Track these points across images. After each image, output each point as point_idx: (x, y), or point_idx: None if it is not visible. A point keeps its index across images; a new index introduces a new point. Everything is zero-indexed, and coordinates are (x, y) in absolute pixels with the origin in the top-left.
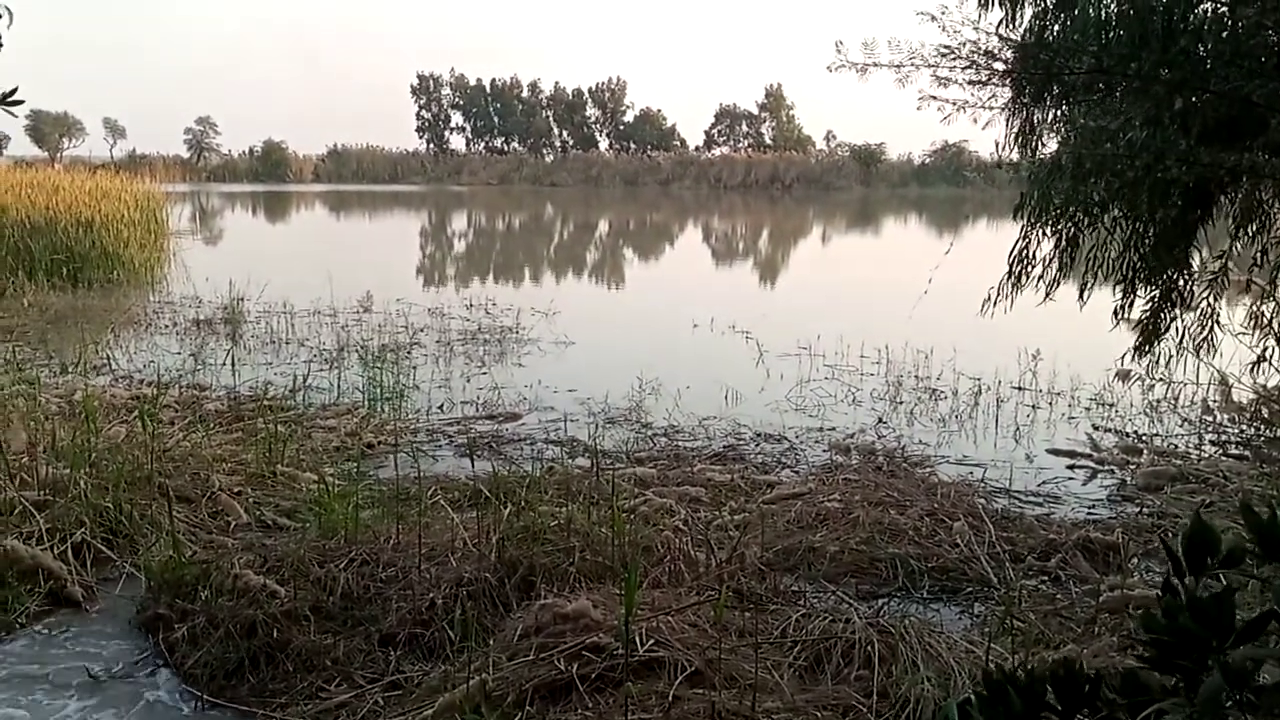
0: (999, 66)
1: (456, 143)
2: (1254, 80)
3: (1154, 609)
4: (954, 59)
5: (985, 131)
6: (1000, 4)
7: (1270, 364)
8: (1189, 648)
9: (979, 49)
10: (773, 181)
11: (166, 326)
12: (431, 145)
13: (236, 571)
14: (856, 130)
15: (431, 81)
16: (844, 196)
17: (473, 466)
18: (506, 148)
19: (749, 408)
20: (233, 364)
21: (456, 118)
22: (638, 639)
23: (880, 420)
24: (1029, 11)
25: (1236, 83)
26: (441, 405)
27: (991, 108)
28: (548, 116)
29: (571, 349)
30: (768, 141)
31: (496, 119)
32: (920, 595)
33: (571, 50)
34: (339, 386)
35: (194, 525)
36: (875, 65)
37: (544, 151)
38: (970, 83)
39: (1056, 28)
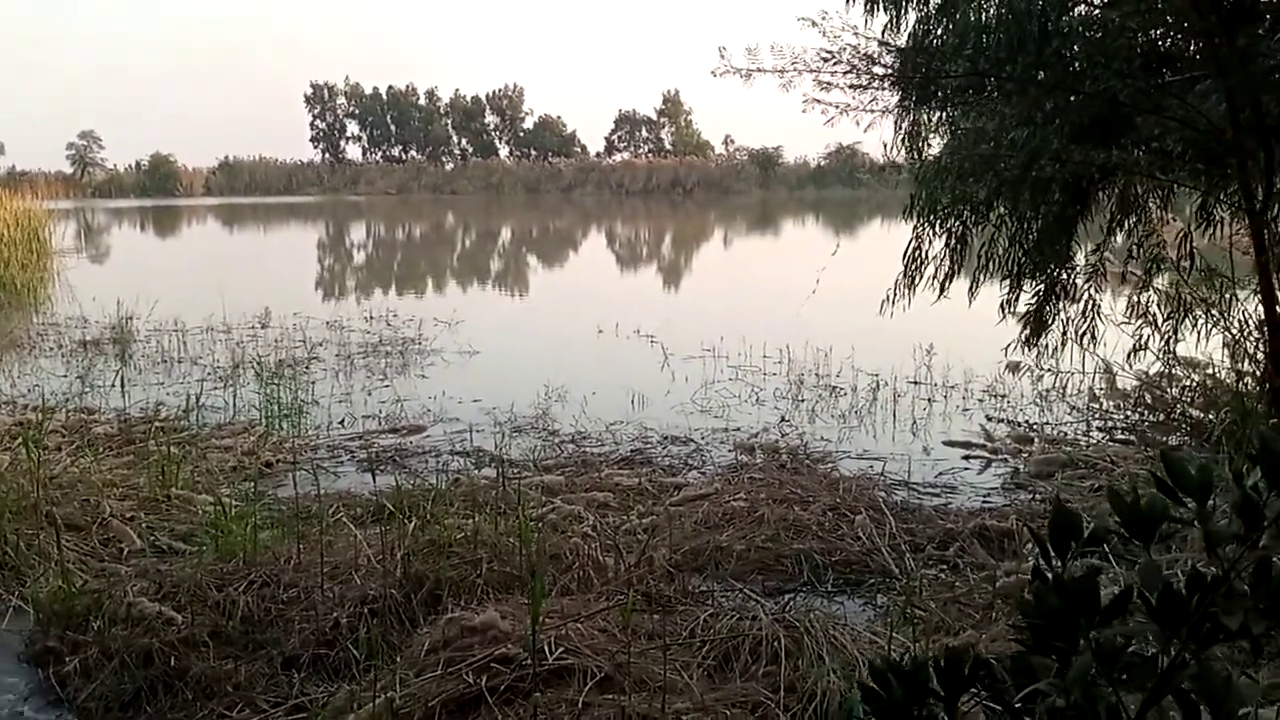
0: (879, 71)
1: (353, 152)
2: (1123, 81)
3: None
4: (835, 63)
5: (869, 134)
6: (885, 9)
7: (1150, 351)
8: (1060, 629)
9: (859, 54)
10: (674, 186)
11: (51, 349)
12: (327, 155)
13: (130, 599)
14: (754, 134)
15: (326, 90)
16: (744, 200)
17: (374, 481)
18: (404, 156)
19: (655, 411)
20: (122, 385)
21: (352, 127)
22: (547, 648)
23: (783, 419)
24: (912, 17)
25: (1106, 84)
26: (342, 420)
27: (873, 111)
28: (446, 124)
29: (476, 359)
30: (668, 147)
31: (393, 127)
32: (825, 589)
33: (468, 58)
34: (235, 405)
35: (84, 554)
36: (759, 70)
37: (443, 160)
38: (851, 86)
39: (939, 32)
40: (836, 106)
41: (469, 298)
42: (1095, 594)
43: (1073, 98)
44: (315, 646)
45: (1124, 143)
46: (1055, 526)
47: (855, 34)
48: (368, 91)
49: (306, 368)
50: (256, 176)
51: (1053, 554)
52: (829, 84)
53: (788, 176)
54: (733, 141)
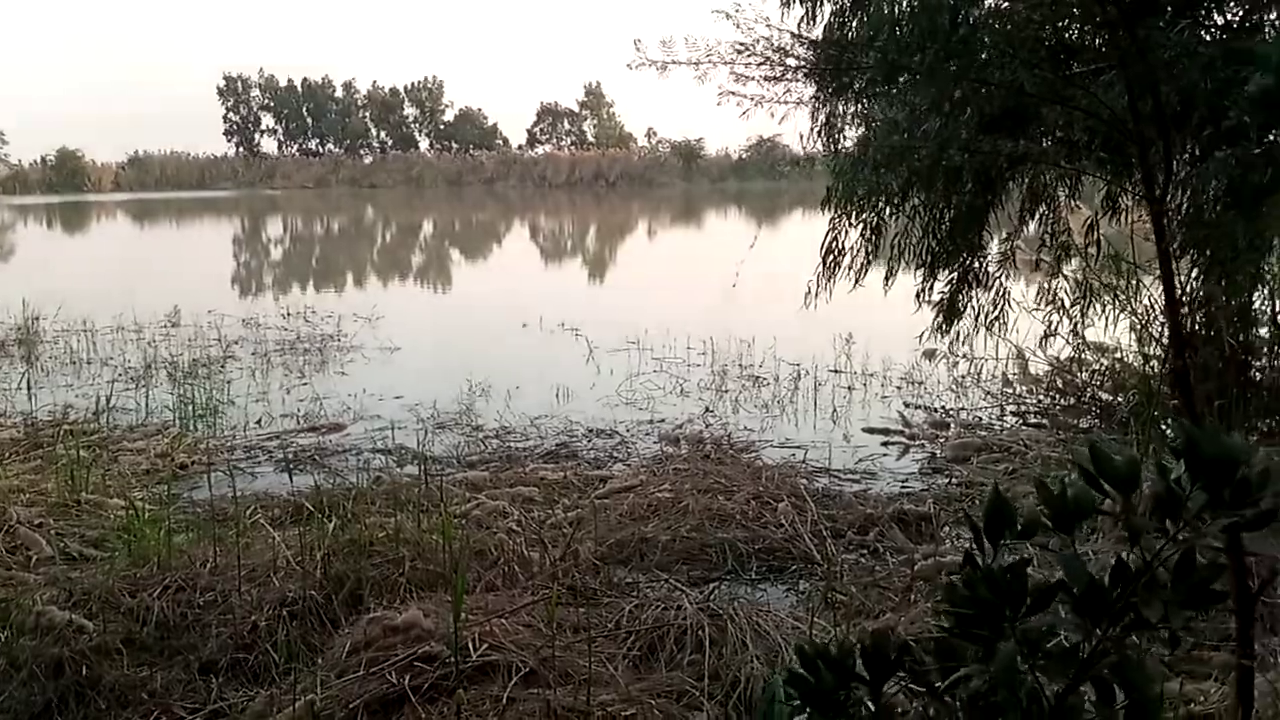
0: (792, 63)
1: (268, 146)
2: (1030, 71)
3: (959, 578)
4: (749, 55)
5: (789, 126)
6: (800, 2)
7: (1060, 337)
8: (987, 617)
9: (773, 46)
10: (597, 179)
11: None
12: (241, 149)
13: (39, 608)
14: (677, 127)
15: (239, 83)
16: (667, 192)
17: (291, 481)
18: (321, 150)
19: (580, 404)
20: (29, 388)
21: (267, 120)
22: (471, 644)
23: (707, 409)
24: (827, 10)
25: (1013, 74)
26: (259, 420)
27: (787, 102)
28: (364, 117)
29: (397, 355)
30: (590, 139)
31: (310, 120)
32: (749, 577)
33: (385, 49)
34: (147, 406)
35: None
36: (674, 63)
37: (362, 153)
38: (766, 78)
39: (854, 25)
40: (751, 98)
41: (390, 293)
42: (1024, 583)
43: (981, 88)
44: (233, 651)
45: (1032, 132)
46: (991, 515)
47: (769, 26)
48: (282, 84)
49: (222, 367)
50: (168, 171)
51: (986, 541)
52: (744, 76)
53: (710, 169)
54: (655, 134)
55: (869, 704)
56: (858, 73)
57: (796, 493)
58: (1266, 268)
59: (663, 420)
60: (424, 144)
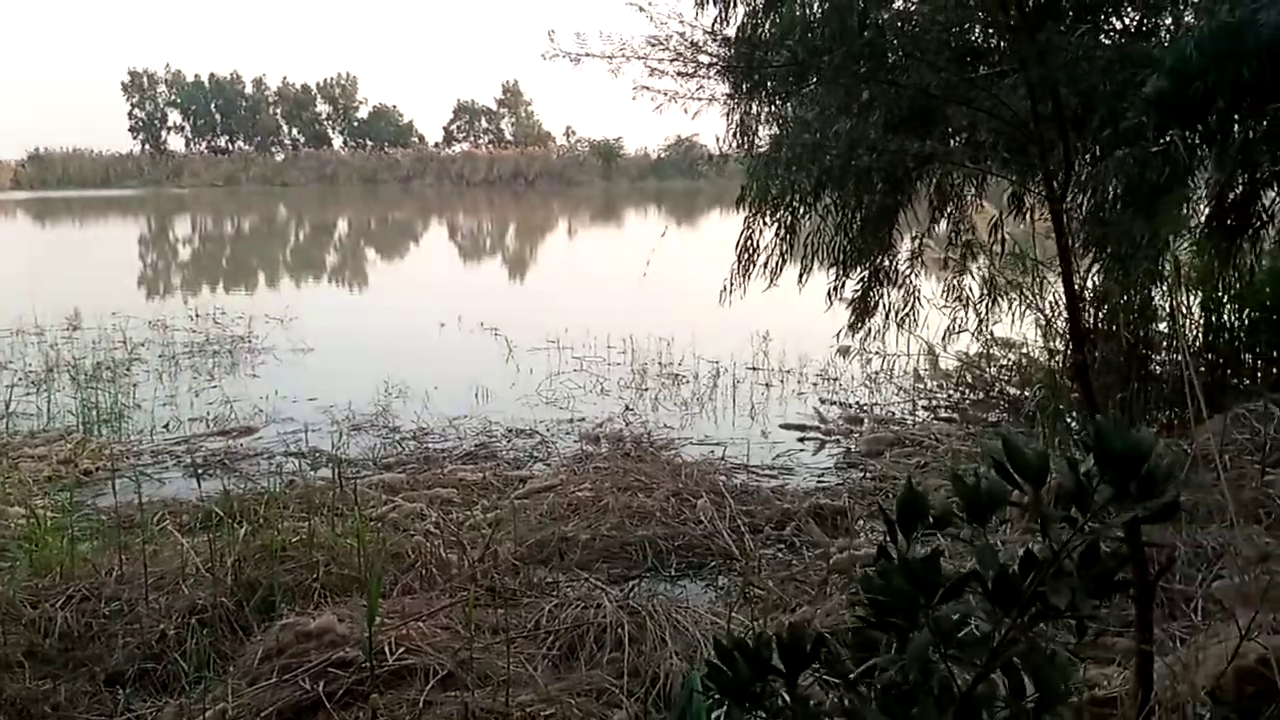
0: (705, 59)
1: (175, 143)
2: (936, 73)
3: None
4: (662, 50)
5: (707, 125)
6: (714, 1)
7: (970, 333)
8: (901, 607)
9: (686, 41)
10: (516, 177)
11: None
12: (148, 146)
13: None
14: (596, 126)
15: (145, 78)
16: (586, 191)
17: (199, 486)
18: (231, 147)
19: (500, 404)
20: None
21: (174, 116)
22: (387, 648)
23: (627, 408)
24: (741, 9)
25: (919, 76)
26: (167, 424)
27: (700, 99)
28: (275, 114)
29: (311, 356)
30: (508, 137)
31: (219, 117)
32: (668, 573)
33: (296, 45)
34: (49, 411)
35: None
36: (587, 55)
37: (273, 150)
38: (679, 74)
39: (768, 24)
40: (665, 94)
41: (303, 293)
42: (937, 573)
43: (889, 89)
44: (141, 661)
45: (937, 133)
46: (904, 507)
47: (682, 22)
48: (189, 79)
49: (127, 370)
50: (71, 169)
51: (900, 533)
52: (658, 71)
53: (629, 168)
54: (574, 133)
55: (785, 696)
56: (770, 72)
57: (715, 489)
58: (1164, 264)
59: (583, 419)
60: (337, 141)
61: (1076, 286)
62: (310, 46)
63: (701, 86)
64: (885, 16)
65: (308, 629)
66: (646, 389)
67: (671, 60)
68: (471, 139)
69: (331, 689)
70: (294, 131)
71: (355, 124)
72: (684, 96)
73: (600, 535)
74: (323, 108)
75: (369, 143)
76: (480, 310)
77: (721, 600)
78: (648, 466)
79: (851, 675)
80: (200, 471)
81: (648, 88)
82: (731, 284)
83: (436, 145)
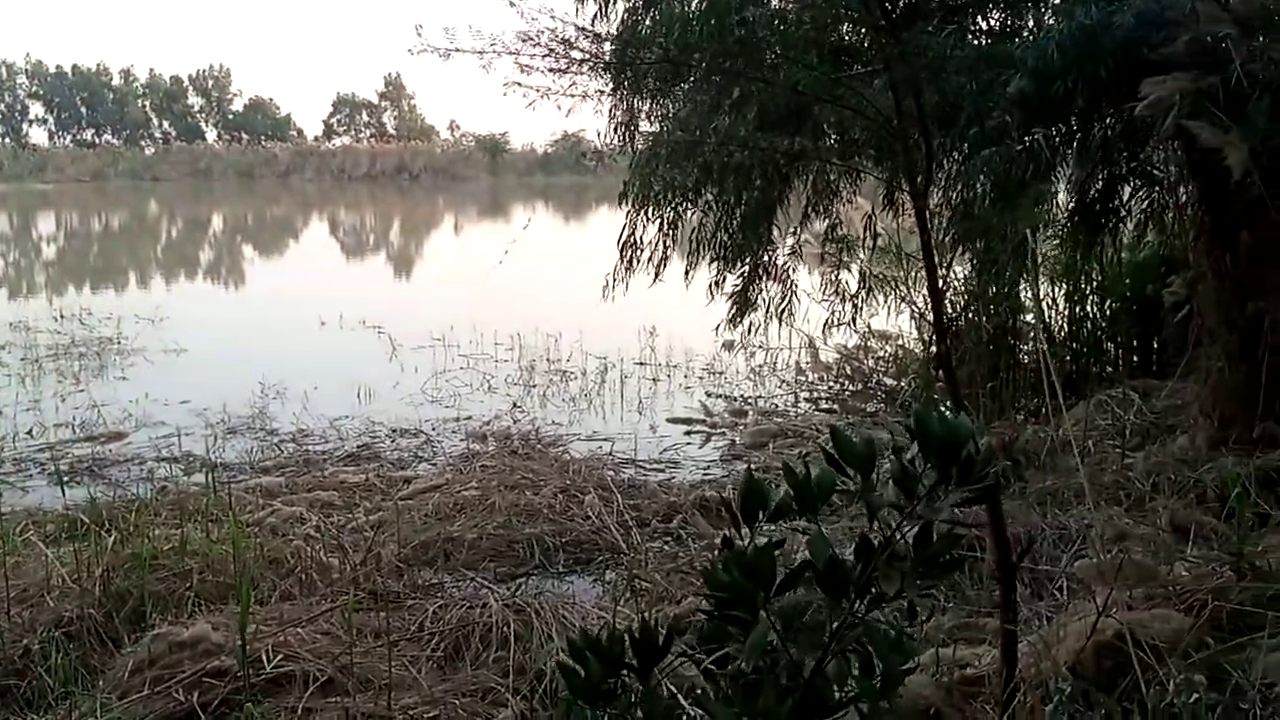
0: (577, 55)
1: (38, 136)
2: (807, 71)
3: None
4: (534, 46)
5: (586, 120)
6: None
7: (849, 326)
8: (742, 598)
9: (557, 38)
10: (399, 172)
11: None
12: (8, 140)
13: None
14: (482, 120)
15: (3, 68)
16: (472, 186)
17: (65, 494)
18: (98, 141)
19: (383, 404)
20: None
21: (36, 109)
22: (265, 656)
23: (515, 405)
24: (621, 5)
25: (790, 74)
26: (30, 430)
27: (573, 95)
28: (144, 106)
29: (184, 357)
30: (391, 131)
31: (84, 109)
32: (556, 570)
33: (166, 35)
34: None
35: None
36: (457, 50)
37: (143, 144)
38: (551, 70)
39: (648, 21)
40: (537, 90)
41: (176, 292)
42: (773, 564)
43: (760, 86)
44: (2, 677)
45: (807, 130)
46: (745, 499)
47: (553, 17)
48: (51, 70)
49: None
50: None
51: (741, 525)
52: (529, 67)
53: (516, 163)
54: (459, 127)
55: (638, 689)
56: (643, 69)
57: (603, 484)
58: (1030, 257)
59: (470, 417)
60: (211, 135)
61: (946, 280)
62: (181, 37)
63: (574, 83)
64: (756, 14)
65: (180, 639)
66: (534, 386)
67: (543, 56)
68: (353, 133)
69: (206, 699)
70: (165, 125)
71: (230, 117)
72: (557, 93)
73: (487, 534)
74: (195, 100)
75: (245, 136)
76: (363, 308)
77: (609, 594)
78: (535, 464)
79: (702, 667)
80: (66, 479)
81: (519, 84)
82: (615, 280)
83: (316, 139)
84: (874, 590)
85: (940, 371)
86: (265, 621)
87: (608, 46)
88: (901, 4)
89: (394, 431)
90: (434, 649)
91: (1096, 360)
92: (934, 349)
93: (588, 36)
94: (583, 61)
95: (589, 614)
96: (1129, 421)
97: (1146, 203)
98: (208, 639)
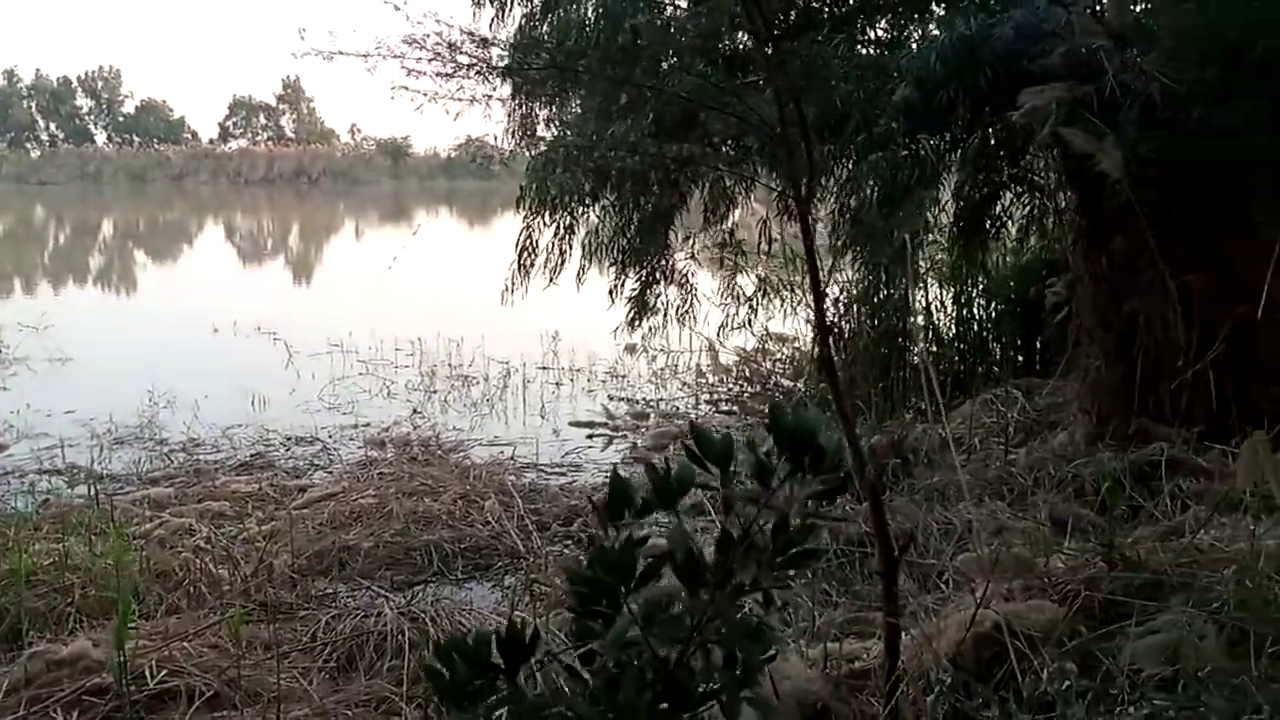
0: (464, 59)
1: None
2: (697, 79)
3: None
4: (420, 50)
5: (486, 123)
6: (491, 3)
7: (745, 329)
8: (604, 594)
9: (444, 42)
10: (298, 175)
11: None
12: None
13: None
14: (383, 124)
15: None
16: (374, 190)
17: None
18: None
19: (278, 411)
20: None
21: None
22: (148, 671)
23: (415, 411)
24: (519, 11)
25: (677, 81)
26: None
27: (461, 100)
28: (30, 108)
29: (70, 366)
30: (289, 134)
31: None
32: (455, 576)
33: (52, 36)
34: None
35: None
36: (341, 53)
37: (28, 146)
38: (438, 74)
39: (545, 26)
40: (425, 94)
41: (62, 299)
42: (633, 560)
43: (653, 93)
44: None
45: (697, 137)
46: (613, 495)
47: (438, 21)
48: None
49: None
50: None
51: (608, 521)
52: (415, 71)
53: (418, 167)
54: (360, 130)
55: (505, 690)
56: (531, 75)
57: (504, 489)
58: (918, 261)
59: (368, 424)
60: (101, 138)
61: (840, 284)
62: (69, 37)
63: (463, 87)
64: (643, 23)
65: (59, 657)
66: (435, 391)
67: (429, 60)
68: (249, 136)
69: (85, 718)
70: (52, 127)
71: (121, 119)
72: (445, 97)
73: (384, 542)
74: (84, 102)
75: (136, 139)
76: (259, 314)
77: (507, 599)
78: (435, 470)
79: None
80: None
81: (405, 87)
82: (512, 284)
83: (211, 142)
84: (733, 582)
85: (820, 373)
86: (150, 636)
87: (495, 51)
88: (791, 14)
89: (289, 440)
90: (326, 659)
91: (983, 360)
92: (833, 351)
93: (475, 40)
94: (470, 66)
95: (487, 619)
96: (1013, 419)
97: (1028, 208)
98: (88, 656)
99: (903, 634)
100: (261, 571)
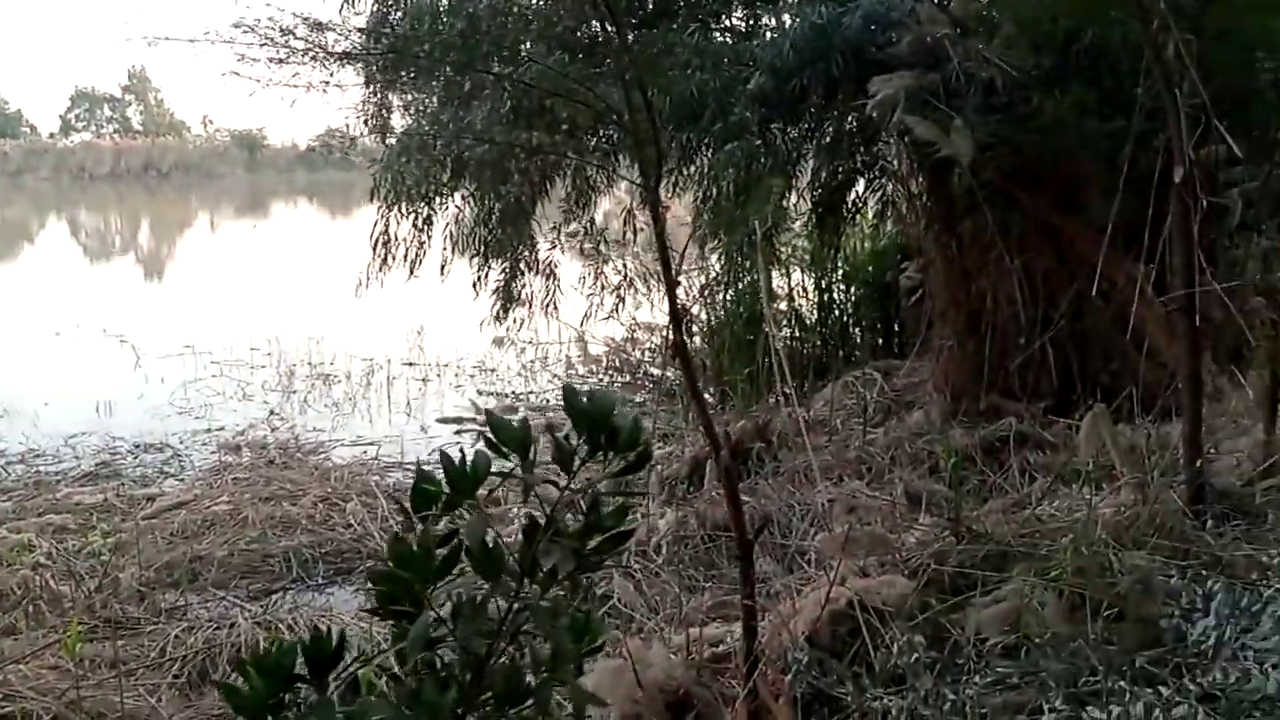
0: (299, 45)
1: None
2: (545, 66)
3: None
4: (251, 35)
5: (346, 113)
6: None
7: (613, 319)
8: (404, 592)
9: (278, 27)
10: (147, 169)
11: None
12: None
13: None
14: (237, 115)
15: None
16: (229, 183)
17: None
18: None
19: (126, 418)
20: None
21: None
22: None
23: (272, 412)
24: None
25: (522, 68)
26: None
27: (297, 86)
28: None
29: None
30: (137, 127)
31: None
32: (316, 582)
33: None
34: None
35: None
36: (166, 39)
37: None
38: (272, 60)
39: (399, 13)
40: (258, 80)
41: None
42: (431, 555)
43: (508, 81)
44: None
45: (546, 125)
46: (416, 492)
47: (268, 4)
48: None
49: None
50: None
51: (413, 518)
52: (247, 57)
53: (276, 159)
54: (211, 122)
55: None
56: (375, 60)
57: (367, 490)
58: (779, 248)
59: (222, 428)
60: None
61: (696, 271)
62: None
63: (298, 74)
64: (482, 8)
65: None
66: (295, 392)
67: (261, 45)
68: (94, 129)
69: None
70: None
71: None
72: (279, 84)
73: (239, 550)
74: None
75: None
76: (105, 316)
77: (370, 603)
78: (294, 473)
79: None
80: None
81: (236, 74)
82: (368, 278)
83: (52, 136)
84: (540, 571)
85: (674, 360)
86: None
87: (331, 35)
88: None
89: (137, 447)
90: (176, 675)
91: (844, 343)
92: (696, 339)
93: (310, 25)
94: (305, 51)
95: (348, 625)
96: (872, 400)
97: (882, 194)
98: None
99: (764, 614)
100: (107, 586)
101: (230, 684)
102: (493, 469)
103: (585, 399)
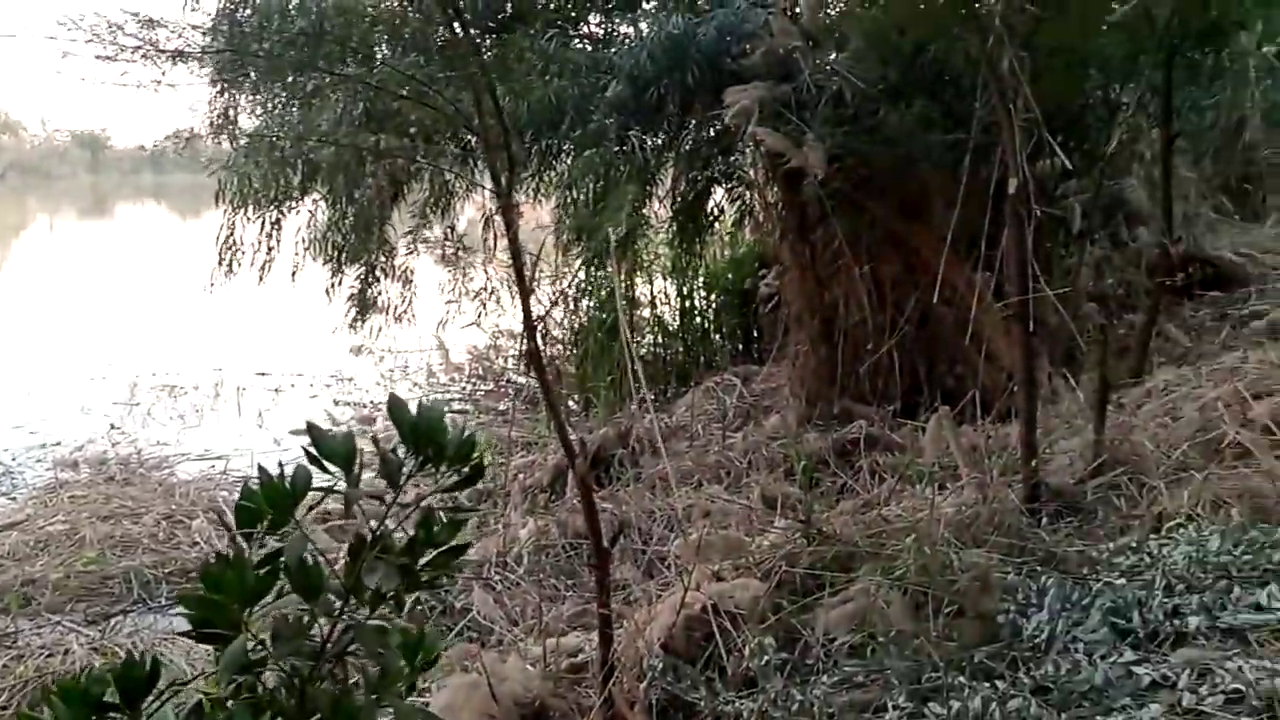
0: (130, 42)
1: None
2: (390, 68)
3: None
4: (75, 30)
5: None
6: None
7: (475, 326)
8: (219, 615)
9: (104, 22)
10: None
11: None
12: None
13: None
14: (77, 115)
15: None
16: (70, 185)
17: None
18: None
19: None
20: None
21: None
22: None
23: (113, 426)
24: None
25: (367, 69)
26: None
27: (127, 84)
28: None
29: None
30: None
31: None
32: (159, 604)
33: None
34: None
35: None
36: None
37: None
38: (99, 58)
39: (248, 11)
40: (84, 79)
41: None
42: (247, 576)
43: (338, 82)
44: None
45: (405, 129)
46: (241, 510)
47: None
48: None
49: None
50: None
51: (237, 537)
52: (71, 54)
53: (121, 161)
54: (48, 122)
55: None
56: (201, 56)
57: (215, 507)
58: (646, 256)
59: (58, 443)
60: None
61: (558, 279)
62: None
63: (126, 71)
64: (324, 7)
65: None
66: (138, 404)
67: (87, 42)
68: None
69: None
70: None
71: None
72: (108, 81)
73: (75, 572)
74: None
75: None
76: None
77: None
78: (136, 490)
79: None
80: None
81: (59, 71)
82: (211, 283)
83: None
84: (367, 589)
85: (529, 368)
86: None
87: (163, 32)
88: (506, 6)
89: None
90: (4, 706)
91: (705, 349)
92: (561, 346)
93: (140, 22)
94: (135, 49)
95: (194, 649)
96: (731, 405)
97: (740, 202)
98: None
99: (621, 622)
100: None
101: (31, 714)
102: (315, 484)
103: (413, 410)
